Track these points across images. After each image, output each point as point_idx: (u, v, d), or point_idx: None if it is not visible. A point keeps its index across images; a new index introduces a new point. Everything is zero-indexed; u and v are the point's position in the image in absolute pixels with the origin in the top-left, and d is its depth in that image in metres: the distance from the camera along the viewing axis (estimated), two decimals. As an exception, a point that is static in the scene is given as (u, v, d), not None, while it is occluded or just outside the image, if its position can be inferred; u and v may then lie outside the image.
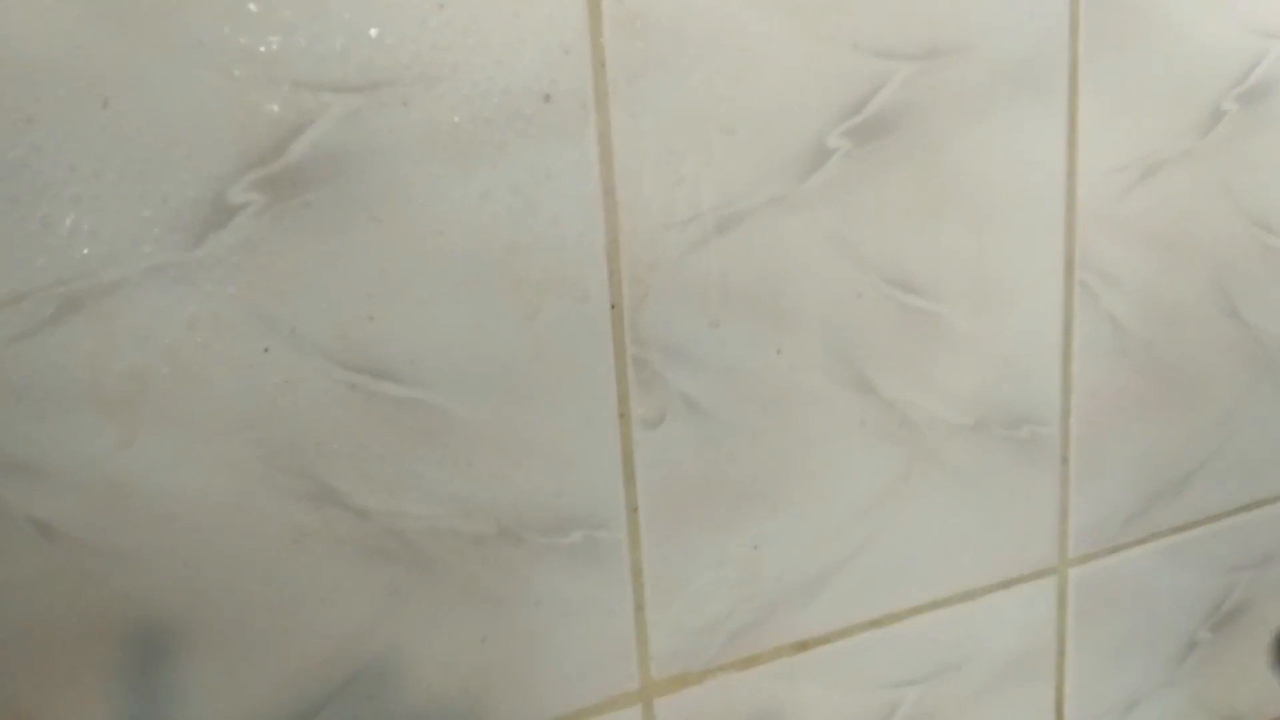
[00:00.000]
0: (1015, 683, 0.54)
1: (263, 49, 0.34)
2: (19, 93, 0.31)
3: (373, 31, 0.35)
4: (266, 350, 0.35)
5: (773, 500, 0.45)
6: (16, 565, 0.34)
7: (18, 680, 0.34)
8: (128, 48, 0.32)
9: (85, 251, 0.33)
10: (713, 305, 0.42)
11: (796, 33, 0.41)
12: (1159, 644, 0.58)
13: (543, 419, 0.40)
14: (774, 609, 0.46)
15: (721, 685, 0.46)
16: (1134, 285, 0.52)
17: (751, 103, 0.41)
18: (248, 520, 0.36)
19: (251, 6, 0.33)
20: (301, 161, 0.35)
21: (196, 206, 0.34)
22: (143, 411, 0.34)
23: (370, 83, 0.35)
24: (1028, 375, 0.50)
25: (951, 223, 0.46)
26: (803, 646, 0.48)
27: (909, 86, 0.44)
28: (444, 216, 0.37)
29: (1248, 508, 0.59)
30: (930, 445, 0.48)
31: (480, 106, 0.37)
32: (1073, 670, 0.56)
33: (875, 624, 0.49)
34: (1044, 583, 0.53)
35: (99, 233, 0.33)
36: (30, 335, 0.32)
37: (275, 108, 0.34)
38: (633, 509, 0.42)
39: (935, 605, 0.50)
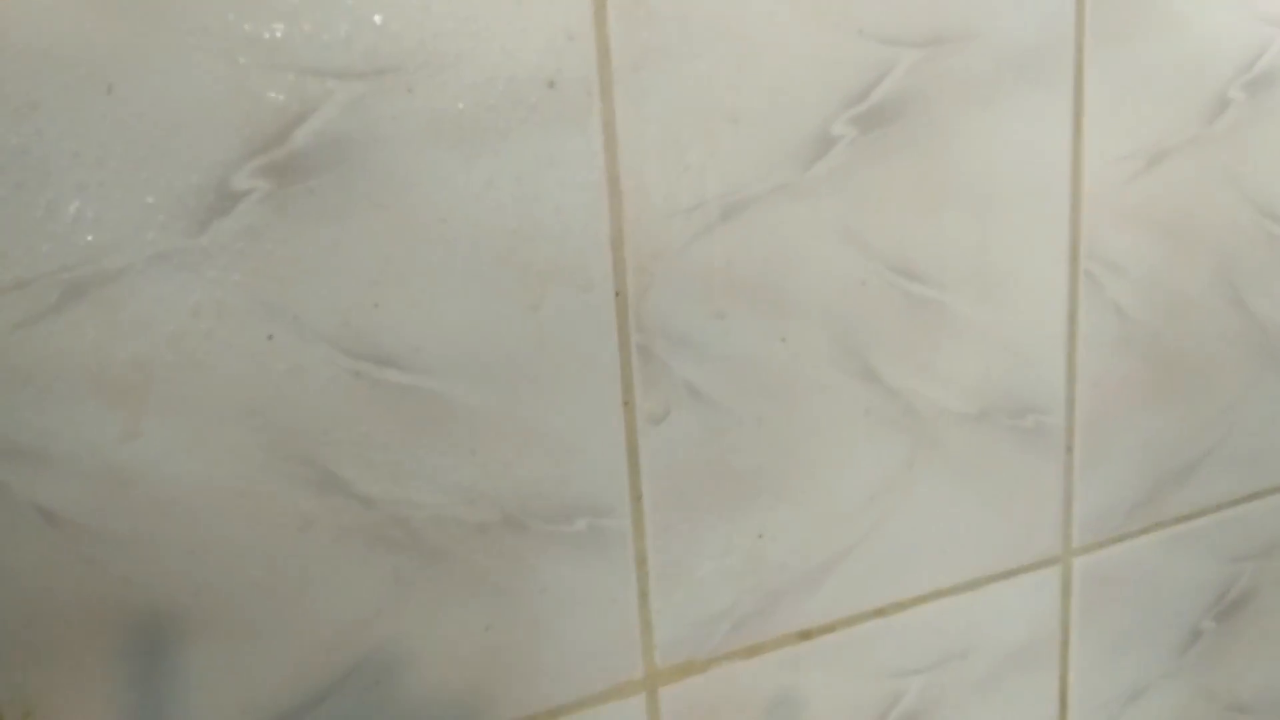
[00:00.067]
0: (1019, 672, 0.54)
1: (267, 35, 0.34)
2: (22, 78, 0.31)
3: (377, 18, 0.35)
4: (270, 338, 0.35)
5: (777, 489, 0.45)
6: (21, 551, 0.34)
7: (22, 666, 0.34)
8: (131, 34, 0.32)
9: (89, 238, 0.33)
10: (717, 293, 0.42)
11: (801, 20, 0.41)
12: (1163, 634, 0.58)
13: (547, 407, 0.40)
14: (778, 597, 0.46)
15: (726, 674, 0.46)
16: (1139, 274, 0.52)
17: (756, 90, 0.41)
18: (252, 507, 0.36)
19: (255, -8, 0.33)
20: (305, 148, 0.35)
21: (200, 193, 0.34)
22: (147, 398, 0.34)
23: (374, 69, 0.35)
24: (1032, 364, 0.50)
25: (956, 211, 0.46)
26: (807, 635, 0.48)
27: (914, 74, 0.44)
28: (448, 204, 0.37)
29: (1252, 497, 0.59)
30: (934, 434, 0.48)
31: (484, 94, 0.37)
32: (1077, 659, 0.56)
33: (880, 613, 0.49)
34: (1048, 572, 0.53)
35: (103, 219, 0.33)
36: (35, 321, 0.32)
37: (279, 94, 0.34)
38: (637, 497, 0.42)
39: (939, 594, 0.50)
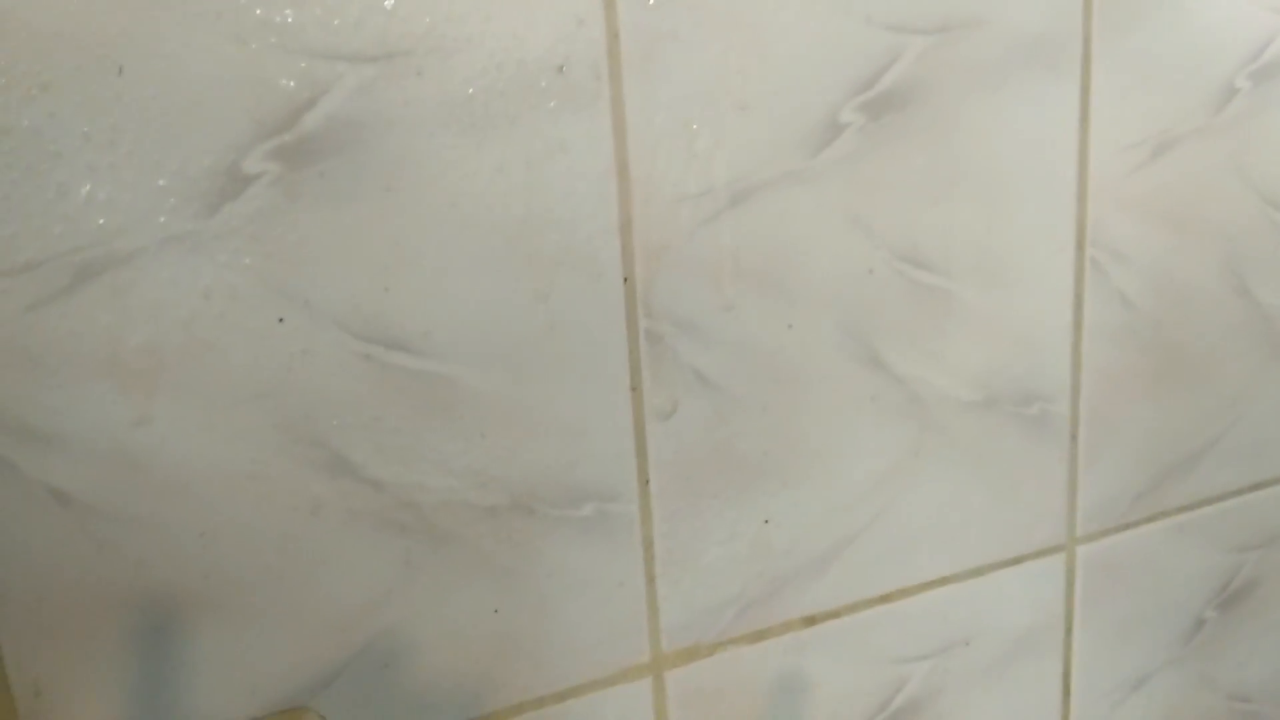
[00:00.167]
0: (1023, 659, 0.54)
1: (278, 19, 0.34)
2: (33, 60, 0.31)
3: (387, 2, 0.35)
4: (281, 320, 0.36)
5: (783, 475, 0.45)
6: (32, 532, 0.34)
7: (33, 647, 0.35)
8: (142, 16, 0.32)
9: (101, 221, 0.33)
10: (725, 280, 0.42)
11: (810, 7, 0.41)
12: (1166, 622, 0.59)
13: (555, 392, 0.40)
14: (784, 583, 0.47)
15: (731, 658, 0.46)
16: (1145, 263, 0.52)
17: (765, 77, 0.41)
18: (263, 490, 0.36)
19: (266, -25, 0.33)
20: (316, 132, 0.35)
21: (211, 176, 0.34)
22: (158, 381, 0.34)
23: (385, 53, 0.35)
24: (1038, 352, 0.50)
25: (963, 199, 0.46)
26: (812, 621, 0.48)
27: (922, 61, 0.44)
28: (458, 188, 0.37)
29: (1256, 487, 0.59)
30: (940, 421, 0.48)
31: (494, 78, 0.37)
32: (1080, 647, 0.56)
33: (884, 599, 0.49)
34: (1052, 560, 0.53)
35: (114, 202, 0.33)
36: (46, 303, 0.33)
37: (290, 78, 0.34)
38: (644, 482, 0.42)
39: (944, 581, 0.50)
